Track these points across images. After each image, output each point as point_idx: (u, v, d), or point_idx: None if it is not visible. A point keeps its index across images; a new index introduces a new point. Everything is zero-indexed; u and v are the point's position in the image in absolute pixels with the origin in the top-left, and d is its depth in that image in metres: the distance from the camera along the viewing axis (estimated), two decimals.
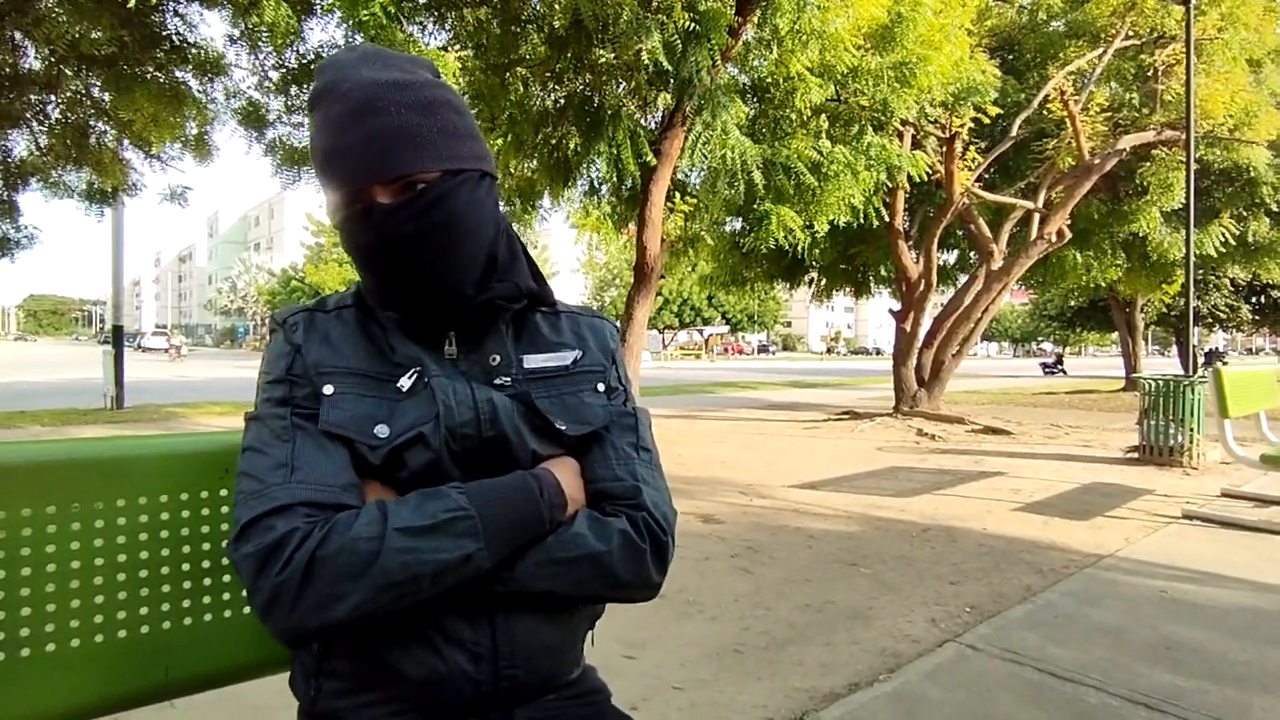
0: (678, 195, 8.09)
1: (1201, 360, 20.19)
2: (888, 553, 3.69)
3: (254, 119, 7.64)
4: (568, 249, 42.49)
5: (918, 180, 7.80)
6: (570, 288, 53.11)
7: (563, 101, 6.80)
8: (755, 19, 5.94)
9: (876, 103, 6.70)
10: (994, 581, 3.23)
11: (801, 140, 6.82)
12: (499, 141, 6.55)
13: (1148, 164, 9.85)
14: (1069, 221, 9.79)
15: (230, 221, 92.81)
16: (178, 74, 7.31)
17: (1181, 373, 6.98)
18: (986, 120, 8.30)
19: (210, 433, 0.99)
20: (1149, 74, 10.00)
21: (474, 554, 0.73)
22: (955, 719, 1.99)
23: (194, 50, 7.21)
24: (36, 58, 7.32)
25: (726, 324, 53.26)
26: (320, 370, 0.80)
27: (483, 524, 0.74)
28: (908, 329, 10.66)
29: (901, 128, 8.13)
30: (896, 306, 11.36)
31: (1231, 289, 21.64)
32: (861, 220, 7.76)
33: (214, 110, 7.79)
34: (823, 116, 7.05)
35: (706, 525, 4.23)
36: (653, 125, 7.19)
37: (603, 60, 5.97)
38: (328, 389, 0.79)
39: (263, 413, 0.80)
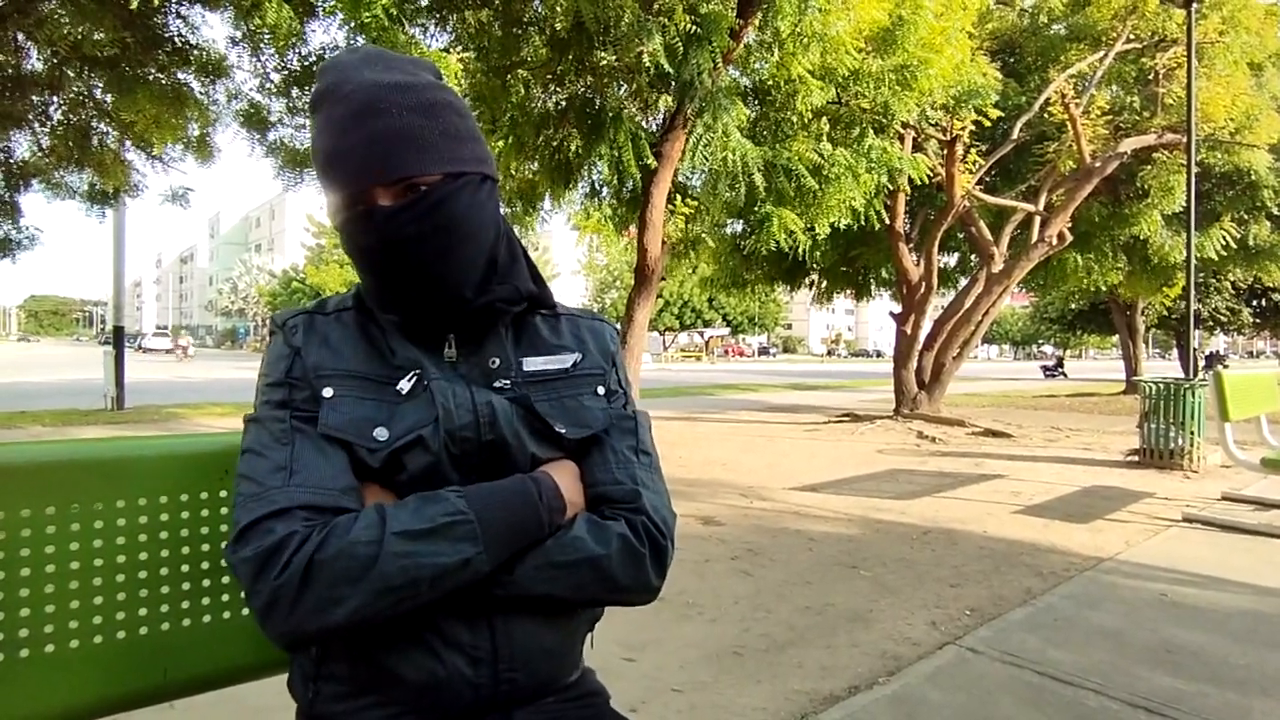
0: (679, 197, 8.10)
1: (1202, 363, 20.16)
2: (888, 555, 3.68)
3: (256, 121, 7.65)
4: (569, 251, 42.54)
5: (919, 183, 7.81)
6: (571, 289, 53.15)
7: (564, 104, 6.81)
8: (756, 21, 5.95)
9: (878, 105, 6.71)
10: (994, 584, 3.22)
11: (802, 143, 6.82)
12: (500, 143, 6.56)
13: (1149, 167, 9.85)
14: (1070, 224, 9.79)
15: (231, 223, 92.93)
16: (180, 76, 7.32)
17: (1182, 376, 6.98)
18: (987, 123, 8.30)
19: (210, 434, 1.00)
20: (1150, 77, 10.02)
21: (473, 558, 0.73)
22: None
23: (196, 52, 7.22)
24: (39, 59, 7.34)
25: (727, 326, 53.29)
26: (320, 373, 0.80)
27: (481, 528, 0.74)
28: (908, 331, 10.66)
29: (902, 130, 8.14)
30: (897, 309, 11.37)
31: (1232, 292, 21.64)
32: (862, 223, 7.76)
33: (216, 112, 7.80)
34: (824, 119, 7.06)
35: (707, 527, 4.23)
36: (654, 127, 7.20)
37: (604, 62, 5.98)
38: (327, 392, 0.79)
39: (262, 415, 0.80)
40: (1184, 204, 8.54)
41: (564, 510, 0.81)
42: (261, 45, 6.89)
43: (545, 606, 0.81)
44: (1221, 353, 34.35)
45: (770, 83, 6.66)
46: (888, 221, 9.44)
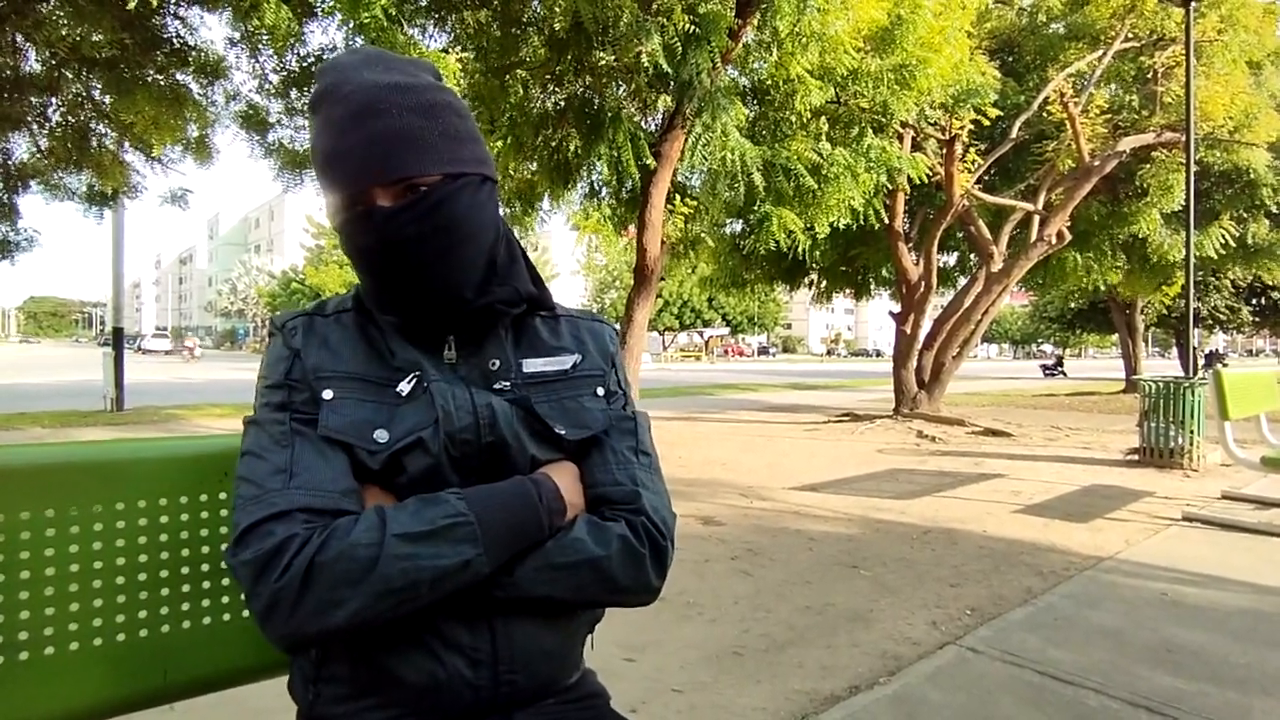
0: (678, 197, 8.09)
1: (1202, 362, 20.18)
2: (888, 555, 3.68)
3: (255, 122, 7.65)
4: (568, 251, 42.52)
5: (918, 182, 7.80)
6: (570, 290, 53.15)
7: (563, 104, 6.80)
8: (755, 21, 5.95)
9: (876, 105, 6.71)
10: (994, 584, 3.23)
11: (801, 142, 6.82)
12: (499, 144, 6.56)
13: (1148, 166, 9.85)
14: (1069, 223, 9.79)
15: (230, 224, 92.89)
16: (178, 77, 7.31)
17: (1182, 374, 6.98)
18: (986, 122, 8.30)
19: (209, 436, 1.00)
20: (1149, 76, 10.02)
21: (473, 559, 0.73)
22: None
23: (194, 53, 7.21)
24: (37, 60, 7.33)
25: (727, 326, 53.30)
26: (319, 375, 0.80)
27: (482, 529, 0.74)
28: (908, 331, 10.66)
29: (901, 130, 8.14)
30: (896, 308, 11.37)
31: (1232, 291, 21.65)
32: (862, 222, 7.76)
33: (214, 113, 7.80)
34: (823, 118, 7.06)
35: (707, 527, 4.23)
36: (653, 127, 7.20)
37: (603, 63, 5.98)
38: (327, 394, 0.79)
39: (261, 417, 0.79)
40: (1183, 202, 8.54)
41: (564, 512, 0.81)
42: (260, 46, 6.88)
43: (545, 608, 0.81)
44: (1221, 351, 34.37)
45: (769, 82, 6.66)
46: (887, 221, 9.44)
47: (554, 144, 7.04)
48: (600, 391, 0.91)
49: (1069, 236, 9.83)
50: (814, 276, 13.43)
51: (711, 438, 8.61)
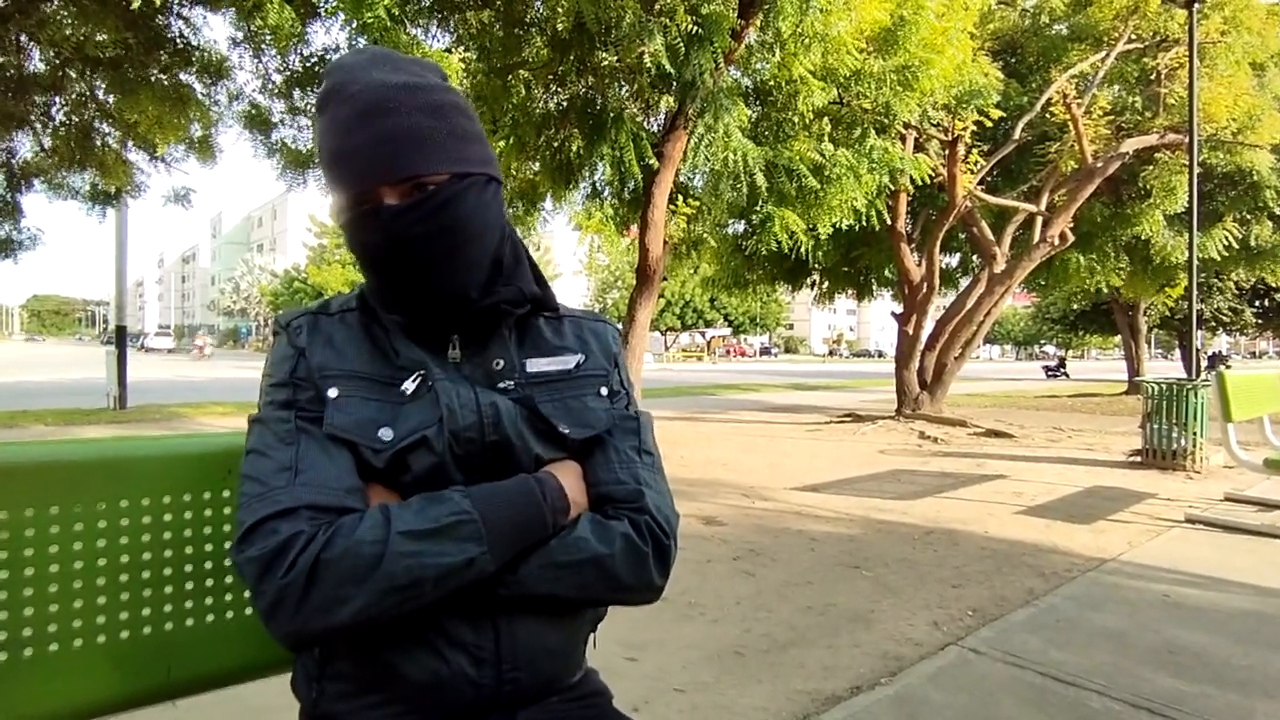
0: (680, 198, 8.10)
1: (1205, 364, 20.14)
2: (890, 555, 3.68)
3: (258, 122, 7.67)
4: (570, 251, 42.53)
5: (920, 183, 7.80)
6: (572, 290, 53.15)
7: (565, 104, 6.81)
8: (758, 22, 5.95)
9: (879, 106, 6.71)
10: (996, 585, 3.22)
11: (804, 143, 6.83)
12: (501, 144, 6.57)
13: (1150, 167, 9.84)
14: (1072, 224, 9.78)
15: (233, 222, 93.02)
16: (182, 76, 7.33)
17: (1184, 376, 6.97)
18: (989, 123, 8.30)
19: (213, 434, 1.00)
20: (1152, 77, 10.01)
21: (477, 557, 0.74)
22: None
23: (198, 53, 7.24)
24: (41, 60, 7.35)
25: (729, 326, 53.26)
26: (324, 373, 0.80)
27: (486, 527, 0.74)
28: (910, 332, 10.65)
29: (904, 131, 8.14)
30: (899, 309, 11.36)
31: (1235, 292, 21.62)
32: (864, 223, 7.76)
33: (218, 113, 7.82)
34: (825, 119, 7.06)
35: (708, 527, 4.23)
36: (655, 128, 7.21)
37: (605, 63, 5.98)
38: (332, 392, 0.79)
39: (266, 416, 0.80)
40: (1186, 204, 8.52)
41: (568, 510, 0.81)
42: (263, 46, 6.90)
43: (549, 606, 0.81)
44: (1224, 353, 34.30)
45: (772, 83, 6.66)
46: (889, 222, 9.44)
47: (556, 144, 7.04)
48: (604, 391, 0.91)
49: (1072, 238, 9.82)
50: (816, 277, 13.42)
51: (713, 438, 8.61)
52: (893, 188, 7.84)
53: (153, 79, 7.06)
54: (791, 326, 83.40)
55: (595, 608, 0.90)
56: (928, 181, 7.89)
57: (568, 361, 0.91)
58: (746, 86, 7.11)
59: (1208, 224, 11.02)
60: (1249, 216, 11.57)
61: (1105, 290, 14.17)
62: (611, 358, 0.95)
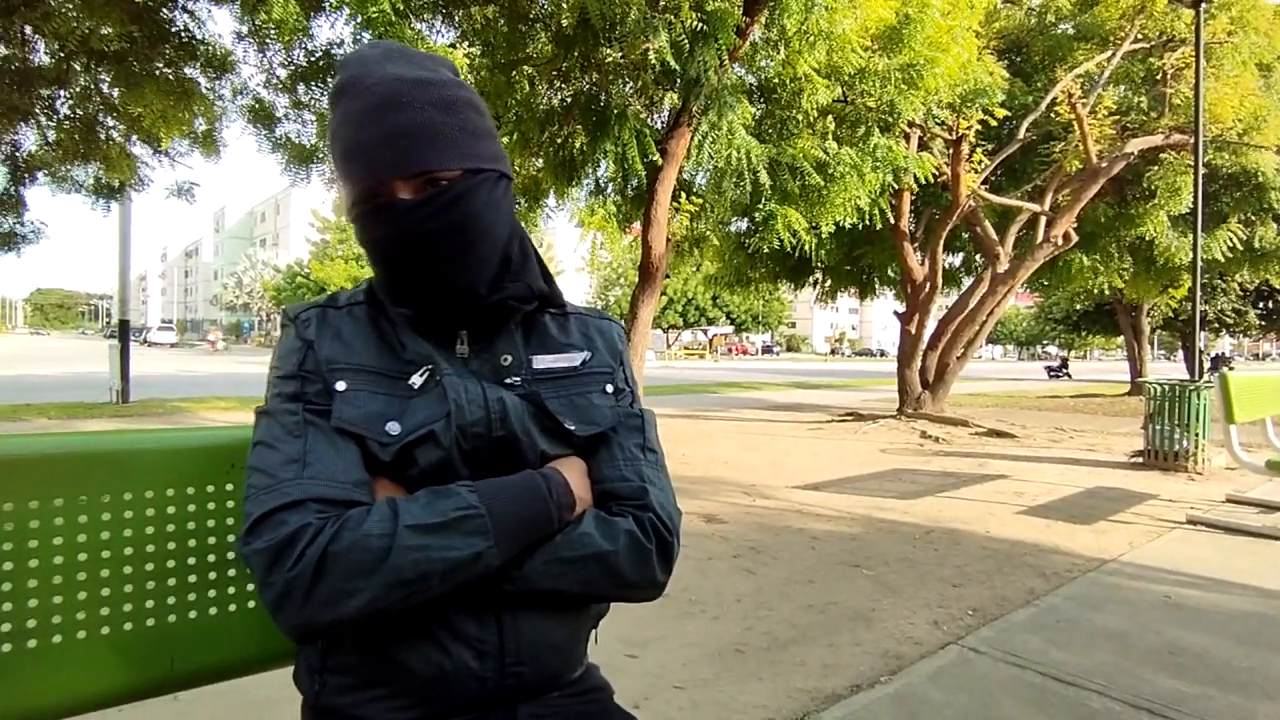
0: (683, 195, 8.09)
1: (1208, 365, 20.11)
2: (891, 554, 3.68)
3: (262, 116, 7.67)
4: (572, 248, 42.54)
5: (924, 182, 7.79)
6: (575, 287, 53.13)
7: (569, 100, 6.80)
8: (763, 19, 5.93)
9: (883, 104, 6.69)
10: (997, 584, 3.22)
11: (808, 141, 6.81)
12: (505, 140, 6.56)
13: (1155, 168, 9.81)
14: (1076, 225, 9.76)
15: (237, 217, 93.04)
16: (186, 70, 7.33)
17: (1187, 377, 6.95)
18: (994, 122, 8.27)
19: (217, 427, 1.00)
20: (1158, 77, 9.97)
21: (484, 552, 0.74)
22: None
23: (203, 47, 7.23)
24: (46, 53, 7.35)
25: (731, 324, 53.26)
26: (332, 367, 0.81)
27: (493, 522, 0.74)
28: (912, 331, 10.64)
29: (908, 129, 8.12)
30: (901, 308, 11.35)
31: (1239, 294, 21.55)
32: (867, 221, 7.75)
33: (222, 107, 7.82)
34: (829, 117, 7.04)
35: (710, 525, 4.23)
36: (659, 125, 7.19)
37: (610, 59, 5.97)
38: (340, 385, 0.80)
39: (274, 408, 0.80)
40: (1191, 205, 8.49)
41: (573, 506, 0.81)
42: (268, 40, 6.90)
43: (553, 601, 0.81)
44: (1227, 355, 34.24)
45: (776, 80, 6.65)
46: (893, 220, 9.41)
47: (560, 140, 7.04)
48: (609, 388, 0.92)
49: (1075, 238, 9.80)
50: (819, 275, 13.40)
51: (715, 436, 8.61)
52: (896, 186, 7.82)
53: (157, 73, 7.05)
54: (794, 325, 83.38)
55: (598, 604, 0.90)
56: (931, 180, 7.88)
57: (574, 358, 0.91)
58: (751, 84, 7.10)
59: (1212, 225, 10.99)
60: (1254, 218, 11.53)
61: (1108, 291, 14.13)
62: (617, 355, 0.96)
